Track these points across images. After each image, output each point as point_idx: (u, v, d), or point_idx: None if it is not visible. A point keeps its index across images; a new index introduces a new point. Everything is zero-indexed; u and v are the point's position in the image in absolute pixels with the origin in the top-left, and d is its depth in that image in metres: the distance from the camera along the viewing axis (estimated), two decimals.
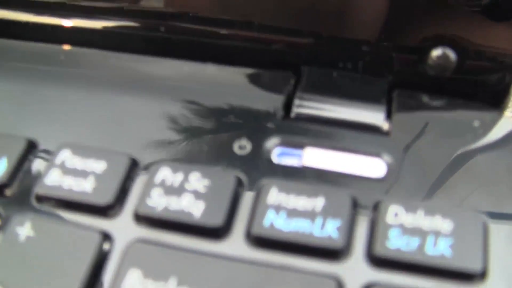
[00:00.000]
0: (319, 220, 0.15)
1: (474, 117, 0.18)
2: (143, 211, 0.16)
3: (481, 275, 0.15)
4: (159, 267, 0.15)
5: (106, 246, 0.16)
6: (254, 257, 0.15)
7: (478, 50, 0.19)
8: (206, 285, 0.15)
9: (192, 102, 0.18)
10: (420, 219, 0.16)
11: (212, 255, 0.15)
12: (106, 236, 0.16)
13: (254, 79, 0.19)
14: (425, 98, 0.19)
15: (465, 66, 0.19)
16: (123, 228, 0.16)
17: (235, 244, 0.16)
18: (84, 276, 0.15)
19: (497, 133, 0.18)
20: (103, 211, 0.16)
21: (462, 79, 0.19)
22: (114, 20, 0.20)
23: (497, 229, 0.16)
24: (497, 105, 0.19)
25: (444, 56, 0.19)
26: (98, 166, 0.17)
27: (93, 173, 0.17)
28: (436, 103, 0.19)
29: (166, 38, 0.19)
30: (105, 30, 0.20)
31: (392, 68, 0.19)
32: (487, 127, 0.18)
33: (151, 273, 0.15)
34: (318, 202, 0.16)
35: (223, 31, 0.20)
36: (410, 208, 0.16)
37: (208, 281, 0.15)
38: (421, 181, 0.17)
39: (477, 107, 0.19)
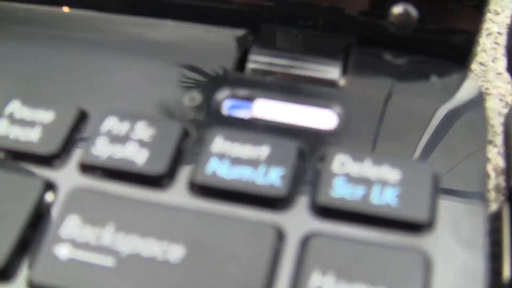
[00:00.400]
0: (262, 168, 0.15)
1: (433, 74, 0.18)
2: (87, 159, 0.16)
3: (428, 226, 0.15)
4: (99, 213, 0.15)
5: (50, 195, 0.16)
6: (196, 205, 0.15)
7: (441, 7, 0.18)
8: (143, 231, 0.14)
9: (147, 56, 0.18)
10: (367, 168, 0.15)
11: (152, 203, 0.15)
12: (50, 185, 0.16)
13: (211, 36, 0.19)
14: (384, 55, 0.18)
15: (427, 23, 0.19)
16: (67, 177, 0.16)
17: (177, 193, 0.15)
18: (24, 222, 0.15)
19: (456, 91, 0.18)
20: (48, 160, 0.16)
21: (424, 37, 0.19)
22: None
23: (448, 182, 0.15)
24: (460, 64, 0.19)
25: (405, 13, 0.19)
26: (46, 116, 0.17)
27: (40, 123, 0.16)
28: (395, 60, 0.18)
29: None
30: None
31: (352, 25, 0.19)
32: (446, 85, 0.18)
33: (90, 218, 0.15)
34: (263, 151, 0.15)
35: None
36: (357, 157, 0.15)
37: (145, 228, 0.14)
38: (372, 135, 0.16)
39: (438, 65, 0.18)
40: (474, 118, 0.17)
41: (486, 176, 0.16)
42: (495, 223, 0.18)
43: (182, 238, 0.14)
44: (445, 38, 0.19)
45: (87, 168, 0.16)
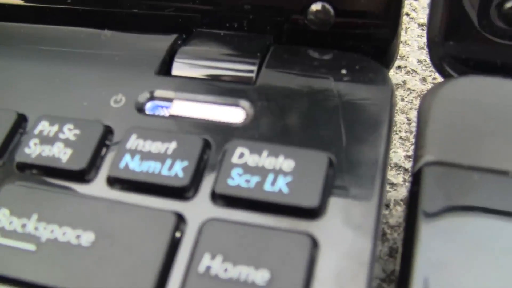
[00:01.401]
0: (168, 162, 0.17)
1: (345, 69, 0.19)
2: (19, 159, 0.18)
3: (317, 211, 0.16)
4: (25, 207, 0.17)
5: None
6: (111, 196, 0.17)
7: (356, 4, 0.19)
8: (62, 220, 0.16)
9: (84, 64, 0.20)
10: (263, 159, 0.16)
11: (73, 196, 0.17)
12: None
13: (145, 42, 0.21)
14: (302, 52, 0.19)
15: (344, 20, 0.19)
16: (7, 175, 0.18)
17: (97, 186, 0.17)
18: None
19: (366, 84, 0.18)
20: None
21: (342, 33, 0.20)
22: None
23: (343, 170, 0.16)
24: (378, 58, 0.20)
25: (323, 11, 0.19)
26: None
27: None
28: (311, 56, 0.19)
29: (62, 7, 0.21)
30: None
31: (274, 24, 0.20)
32: (357, 79, 0.18)
33: (17, 211, 0.17)
34: (171, 146, 0.17)
35: None
36: (256, 149, 0.17)
37: (64, 217, 0.16)
38: (276, 127, 0.17)
39: (353, 60, 0.19)
40: (379, 111, 0.17)
41: (384, 165, 0.17)
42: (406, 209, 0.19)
43: (93, 225, 0.16)
44: (362, 34, 0.19)
45: (22, 167, 0.18)
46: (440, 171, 0.17)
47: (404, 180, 0.22)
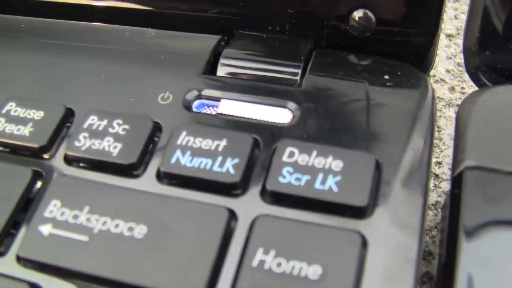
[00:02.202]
0: (219, 158, 0.17)
1: (386, 74, 0.19)
2: (69, 151, 0.18)
3: (366, 210, 0.16)
4: (77, 199, 0.17)
5: (39, 183, 0.18)
6: (161, 191, 0.17)
7: (397, 12, 0.20)
8: (113, 212, 0.16)
9: (129, 61, 0.20)
10: (312, 158, 0.17)
11: (123, 189, 0.17)
12: (40, 174, 0.18)
13: (190, 41, 0.21)
14: (344, 57, 0.20)
15: (384, 27, 0.20)
16: (55, 167, 0.18)
17: (146, 180, 0.17)
18: (13, 206, 0.17)
19: (407, 90, 0.19)
20: (38, 153, 0.18)
21: (382, 39, 0.20)
22: None
23: (390, 171, 0.17)
24: (418, 64, 0.20)
25: (365, 18, 0.20)
26: (37, 114, 0.19)
27: (32, 120, 0.19)
28: (353, 61, 0.20)
29: (108, 6, 0.21)
30: None
31: (317, 29, 0.20)
32: (398, 84, 0.19)
33: (68, 203, 0.17)
34: (221, 143, 0.17)
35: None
36: (306, 149, 0.17)
37: (116, 210, 0.16)
38: (323, 128, 0.18)
39: (393, 66, 0.20)
40: (422, 115, 0.18)
41: (428, 167, 0.17)
42: (444, 211, 0.19)
43: (145, 218, 0.16)
44: (401, 41, 0.20)
45: (71, 159, 0.18)
46: (480, 175, 0.17)
47: (435, 186, 0.22)
